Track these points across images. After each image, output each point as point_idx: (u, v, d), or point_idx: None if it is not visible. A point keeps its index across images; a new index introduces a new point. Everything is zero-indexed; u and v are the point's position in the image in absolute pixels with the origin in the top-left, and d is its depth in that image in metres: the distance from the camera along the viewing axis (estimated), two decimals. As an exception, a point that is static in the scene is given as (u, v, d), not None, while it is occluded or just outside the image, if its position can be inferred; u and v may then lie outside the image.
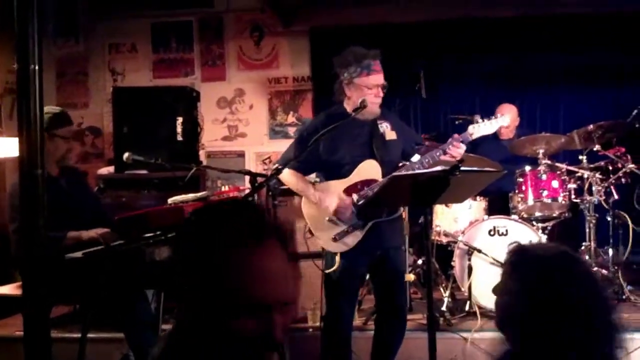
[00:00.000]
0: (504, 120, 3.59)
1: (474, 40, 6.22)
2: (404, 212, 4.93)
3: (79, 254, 3.31)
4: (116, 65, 6.89)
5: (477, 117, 5.32)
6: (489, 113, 5.65)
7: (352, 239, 3.46)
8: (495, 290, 1.78)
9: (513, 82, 6.12)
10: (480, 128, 3.54)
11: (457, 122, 5.81)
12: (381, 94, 3.47)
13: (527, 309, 1.59)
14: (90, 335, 3.94)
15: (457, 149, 3.43)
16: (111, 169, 5.21)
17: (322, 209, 3.46)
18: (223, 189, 4.63)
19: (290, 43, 6.76)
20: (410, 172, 3.30)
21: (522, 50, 6.18)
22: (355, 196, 3.46)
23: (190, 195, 3.74)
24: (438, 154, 3.41)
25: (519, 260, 1.70)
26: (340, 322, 3.56)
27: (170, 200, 3.71)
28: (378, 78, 3.44)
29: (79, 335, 3.86)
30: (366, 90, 3.43)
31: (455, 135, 3.50)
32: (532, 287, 1.60)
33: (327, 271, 3.52)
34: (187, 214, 3.53)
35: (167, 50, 6.83)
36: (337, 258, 3.46)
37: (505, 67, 6.26)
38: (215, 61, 6.83)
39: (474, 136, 3.54)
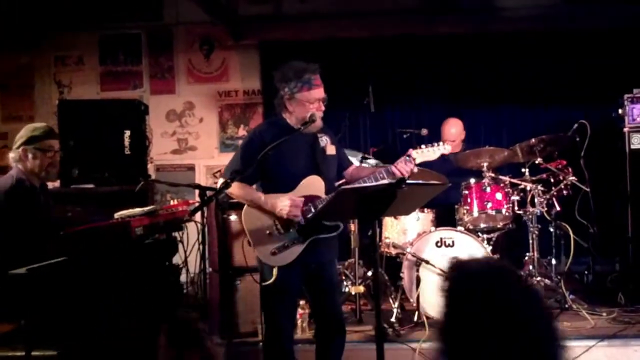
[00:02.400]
0: (446, 148, 3.68)
1: (420, 56, 6.37)
2: (353, 225, 5.01)
3: (22, 270, 3.24)
4: (62, 77, 6.80)
5: (424, 131, 5.48)
6: (435, 126, 5.86)
7: (291, 254, 3.46)
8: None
9: (459, 97, 6.28)
10: (424, 154, 3.61)
11: (404, 136, 5.92)
12: (322, 108, 3.48)
13: (460, 323, 1.59)
14: (35, 353, 3.86)
15: (403, 168, 3.50)
16: (57, 183, 5.11)
17: (263, 223, 3.46)
18: (172, 202, 4.58)
19: (241, 57, 6.79)
20: (357, 185, 3.34)
21: (468, 65, 6.35)
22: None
23: (138, 210, 3.70)
24: (381, 175, 3.47)
25: (455, 276, 1.72)
26: (280, 336, 3.55)
27: (117, 215, 3.66)
28: (319, 92, 3.45)
29: (23, 353, 3.78)
30: (308, 105, 3.43)
31: (404, 157, 3.57)
32: (464, 301, 1.61)
33: (264, 284, 3.52)
34: (133, 227, 3.50)
35: (115, 63, 6.77)
36: (275, 271, 3.46)
37: (451, 82, 6.41)
38: (165, 74, 6.80)
39: (417, 161, 3.60)
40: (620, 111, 5.44)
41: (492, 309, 1.54)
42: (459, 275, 1.66)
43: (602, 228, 5.76)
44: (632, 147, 5.33)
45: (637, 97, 5.34)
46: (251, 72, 6.74)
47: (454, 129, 5.80)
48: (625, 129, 5.35)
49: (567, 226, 5.30)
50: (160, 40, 6.78)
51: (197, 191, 4.02)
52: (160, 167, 6.71)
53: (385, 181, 3.29)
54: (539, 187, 5.08)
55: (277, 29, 6.54)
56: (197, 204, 3.87)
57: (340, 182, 3.89)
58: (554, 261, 5.17)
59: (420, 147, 3.64)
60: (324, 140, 3.59)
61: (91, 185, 5.00)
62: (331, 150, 3.62)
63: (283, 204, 3.40)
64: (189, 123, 6.81)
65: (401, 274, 4.83)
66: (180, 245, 4.24)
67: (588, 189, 5.17)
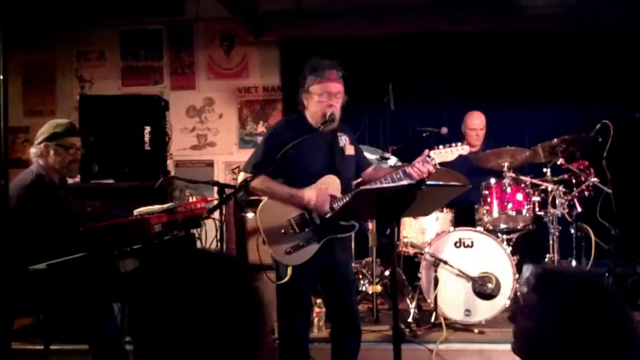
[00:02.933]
0: (464, 149, 3.65)
1: (442, 53, 6.31)
2: (370, 223, 4.98)
3: (42, 266, 3.26)
4: (84, 72, 6.84)
5: (444, 129, 5.44)
6: (455, 125, 5.80)
7: (306, 253, 3.45)
8: (514, 316, 1.75)
9: (480, 95, 6.21)
10: (441, 154, 3.59)
11: (424, 135, 5.88)
12: (335, 103, 3.44)
13: (566, 332, 1.58)
14: (53, 347, 3.90)
15: (422, 168, 3.46)
16: (77, 178, 5.14)
17: (278, 221, 3.45)
18: (191, 199, 4.60)
19: (261, 53, 6.79)
20: (376, 186, 3.32)
21: (490, 64, 6.29)
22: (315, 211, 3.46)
23: (157, 207, 3.71)
24: (398, 176, 3.45)
25: (551, 283, 1.69)
26: (295, 335, 3.55)
27: (136, 212, 3.68)
28: (330, 86, 3.42)
29: (42, 347, 3.81)
30: (316, 98, 3.43)
31: (422, 157, 3.53)
32: (572, 309, 1.60)
33: (278, 283, 3.51)
34: (151, 224, 3.51)
35: (136, 58, 6.80)
36: (289, 270, 3.45)
37: (472, 80, 6.35)
38: (185, 70, 6.82)
39: (435, 161, 3.57)
40: (643, 112, 5.37)
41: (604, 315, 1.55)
42: (564, 284, 1.64)
43: (623, 230, 5.68)
44: (656, 148, 5.26)
45: (661, 98, 5.26)
46: (271, 68, 6.74)
47: (477, 120, 5.74)
48: (650, 130, 5.28)
49: (589, 228, 5.24)
50: (181, 35, 6.80)
51: (215, 188, 4.02)
52: (180, 162, 6.74)
53: (405, 182, 3.27)
54: (561, 187, 5.02)
55: (297, 25, 6.52)
56: (215, 201, 3.88)
57: (357, 181, 3.88)
58: (574, 263, 5.11)
59: (437, 148, 3.61)
60: (343, 140, 3.59)
61: (111, 181, 5.02)
62: (350, 150, 3.61)
63: (310, 193, 3.39)
64: (208, 119, 6.83)
65: (419, 274, 4.80)
66: (198, 242, 4.25)
67: (610, 190, 5.09)
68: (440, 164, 3.64)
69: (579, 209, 5.06)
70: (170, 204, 3.86)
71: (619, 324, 1.57)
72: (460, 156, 3.72)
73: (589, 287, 1.61)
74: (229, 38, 6.79)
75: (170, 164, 6.13)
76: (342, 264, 3.63)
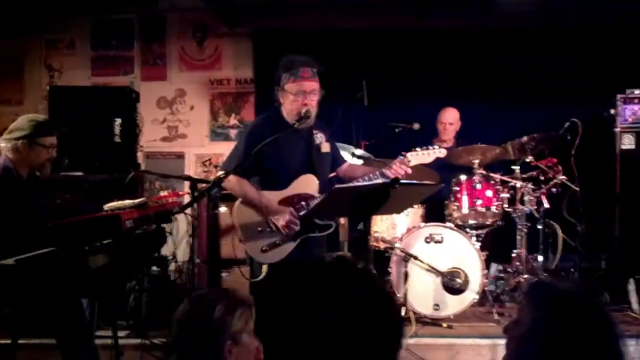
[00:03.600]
0: (442, 152, 3.69)
1: (416, 49, 6.33)
2: (342, 218, 5.00)
3: (10, 261, 3.21)
4: (53, 62, 6.72)
5: (416, 125, 5.48)
6: (428, 122, 5.85)
7: (282, 252, 3.46)
8: (507, 328, 1.76)
9: (452, 92, 6.25)
10: (419, 157, 3.64)
11: (397, 130, 5.91)
12: (310, 101, 3.44)
13: (551, 347, 1.59)
14: (21, 341, 3.85)
15: (398, 170, 3.50)
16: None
17: (257, 219, 3.45)
18: (161, 193, 4.57)
19: (234, 45, 6.73)
20: (351, 185, 3.34)
21: (462, 61, 6.33)
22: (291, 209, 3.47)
23: (128, 202, 3.67)
24: (376, 176, 3.47)
25: (543, 295, 1.69)
26: None
27: (106, 207, 3.63)
28: (304, 84, 3.43)
29: (9, 341, 3.76)
30: (291, 97, 3.43)
31: (400, 159, 3.57)
32: (557, 324, 1.60)
33: (253, 280, 3.52)
34: (123, 220, 3.48)
35: (107, 48, 6.69)
36: (264, 268, 3.46)
37: (444, 77, 6.39)
38: (156, 61, 6.73)
39: (412, 164, 3.61)
40: (612, 111, 5.47)
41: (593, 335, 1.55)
42: (555, 298, 1.64)
43: (589, 226, 5.80)
44: (623, 147, 5.36)
45: (630, 98, 5.36)
46: (244, 60, 6.69)
47: (451, 115, 5.81)
48: (617, 129, 5.38)
49: (556, 224, 5.34)
50: (153, 26, 6.70)
51: (188, 182, 4.00)
52: (150, 154, 6.65)
53: (379, 180, 3.29)
54: (529, 185, 5.10)
55: (271, 17, 6.48)
56: (187, 196, 3.86)
57: (331, 175, 3.90)
58: (541, 258, 5.19)
59: (415, 150, 3.64)
60: (319, 138, 3.59)
61: (80, 173, 4.96)
62: (326, 147, 3.62)
63: (280, 215, 3.40)
64: (179, 110, 6.76)
65: (389, 269, 4.83)
66: (169, 237, 4.23)
67: (577, 188, 5.19)
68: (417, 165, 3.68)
69: (547, 206, 5.14)
70: (142, 199, 3.82)
71: (606, 348, 1.58)
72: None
73: (581, 308, 1.60)
74: (201, 29, 6.72)
75: (140, 155, 6.08)
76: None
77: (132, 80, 6.62)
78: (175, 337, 2.03)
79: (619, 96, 5.41)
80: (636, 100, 5.33)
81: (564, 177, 5.07)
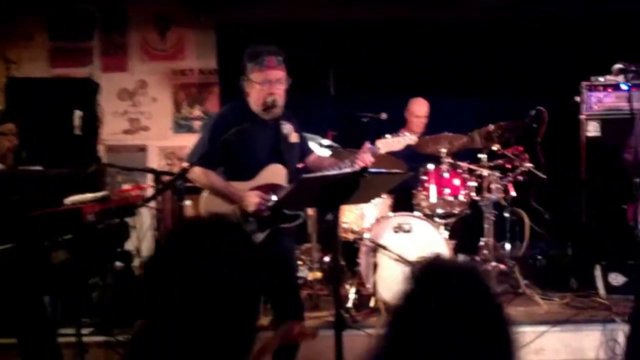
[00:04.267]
0: (411, 139, 3.67)
1: (382, 39, 6.30)
2: (311, 210, 4.96)
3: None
4: (10, 53, 6.49)
5: (383, 115, 5.45)
6: (395, 112, 5.82)
7: None
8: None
9: (420, 83, 6.23)
10: (388, 144, 3.61)
11: (364, 120, 5.87)
12: (276, 90, 3.39)
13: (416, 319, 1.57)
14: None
15: (367, 159, 3.47)
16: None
17: (223, 209, 3.38)
18: (124, 186, 4.46)
19: (197, 35, 6.62)
20: (319, 174, 3.29)
21: (429, 51, 6.32)
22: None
23: (89, 196, 3.57)
24: (345, 166, 3.43)
25: (421, 273, 1.69)
26: None
27: (67, 201, 3.53)
28: (270, 74, 3.37)
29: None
30: (257, 86, 3.37)
31: (366, 147, 3.52)
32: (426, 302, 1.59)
33: None
34: (84, 214, 3.38)
35: (66, 38, 6.50)
36: None
37: (412, 67, 6.38)
38: (117, 51, 6.57)
39: (381, 151, 3.59)
40: (577, 99, 5.51)
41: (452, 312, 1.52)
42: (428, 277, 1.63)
43: (556, 214, 5.86)
44: (588, 134, 5.40)
45: (594, 85, 5.40)
46: (207, 51, 6.58)
47: (422, 107, 5.81)
48: (582, 117, 5.41)
49: (522, 212, 5.38)
50: (114, 16, 6.54)
51: (151, 175, 3.91)
52: (111, 147, 6.49)
53: (348, 170, 3.25)
54: (496, 173, 5.12)
55: (235, 8, 6.37)
56: (150, 189, 3.77)
57: (300, 166, 3.85)
58: (508, 246, 5.23)
59: (385, 137, 3.61)
60: (287, 128, 3.55)
61: (39, 167, 4.81)
62: (294, 137, 3.58)
63: (250, 200, 3.33)
64: (141, 102, 6.62)
65: (358, 260, 4.82)
66: (133, 231, 4.14)
67: (544, 176, 5.22)
68: (387, 153, 3.65)
69: (514, 194, 5.18)
70: (104, 192, 3.74)
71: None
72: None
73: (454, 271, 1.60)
74: (164, 19, 6.58)
75: (101, 148, 5.94)
76: (287, 253, 3.60)
77: (93, 72, 6.44)
78: None
79: (583, 84, 5.44)
80: (601, 88, 5.37)
81: (530, 165, 5.11)
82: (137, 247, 4.16)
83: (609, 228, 4.98)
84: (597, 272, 5.18)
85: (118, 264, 4.33)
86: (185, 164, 3.39)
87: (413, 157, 5.28)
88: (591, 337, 4.29)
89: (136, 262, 4.34)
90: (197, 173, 3.36)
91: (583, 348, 4.04)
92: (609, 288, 5.06)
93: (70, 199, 3.54)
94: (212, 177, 3.44)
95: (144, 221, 4.06)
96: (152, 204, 3.61)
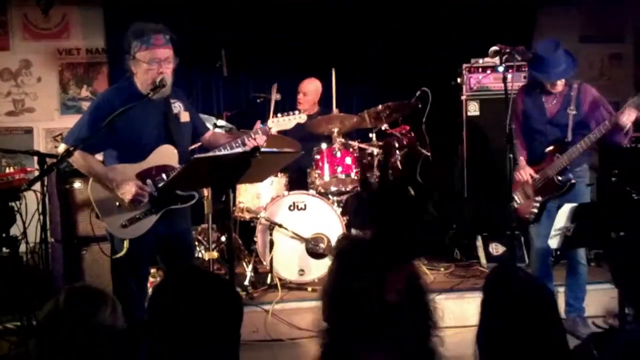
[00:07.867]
0: (302, 118, 3.74)
1: (275, 20, 6.30)
2: (206, 190, 4.96)
3: None
4: None
5: (278, 95, 5.50)
6: (289, 93, 5.90)
7: (143, 226, 3.36)
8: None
9: (313, 63, 6.30)
10: (279, 123, 3.64)
11: (258, 101, 5.92)
12: (165, 69, 3.33)
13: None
14: None
15: (259, 140, 3.48)
16: None
17: (112, 194, 3.33)
18: (8, 169, 4.27)
19: (82, 13, 6.37)
20: (210, 154, 3.30)
21: (322, 32, 6.38)
22: (149, 182, 3.37)
23: (-31, 179, 3.41)
24: (237, 144, 3.44)
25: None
26: (131, 306, 3.46)
27: (-55, 186, 3.36)
28: (158, 52, 3.30)
29: None
30: (144, 65, 3.31)
31: (258, 127, 3.54)
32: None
33: (114, 257, 3.41)
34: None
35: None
36: (126, 243, 3.35)
37: (305, 48, 6.43)
38: (-3, 29, 6.23)
39: (273, 130, 3.62)
40: (458, 80, 5.80)
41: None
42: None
43: (441, 189, 6.16)
44: (469, 114, 5.72)
45: (474, 67, 5.70)
46: (95, 30, 6.34)
47: (312, 85, 5.88)
48: (463, 97, 5.71)
49: (410, 187, 5.62)
50: (-9, -8, 6.18)
51: (36, 158, 3.78)
52: (-6, 130, 6.19)
53: (239, 150, 3.29)
54: (385, 151, 5.32)
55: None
56: (36, 172, 3.65)
57: (195, 146, 3.84)
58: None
59: (276, 116, 3.66)
60: (177, 107, 3.50)
61: None
62: (185, 117, 3.54)
63: (129, 189, 3.29)
64: (25, 83, 6.32)
65: (255, 238, 4.89)
66: (18, 216, 3.99)
67: (429, 153, 5.47)
68: (278, 132, 3.70)
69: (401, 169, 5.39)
70: (-15, 176, 3.56)
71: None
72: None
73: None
74: (46, -4, 6.27)
75: (-17, 131, 5.64)
76: (183, 233, 3.59)
77: (-29, 51, 6.09)
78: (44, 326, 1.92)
79: (464, 66, 5.73)
80: (480, 70, 5.68)
81: (417, 143, 5.34)
82: (24, 232, 4.01)
83: (488, 201, 5.27)
84: (479, 243, 5.53)
85: (3, 250, 4.17)
86: (62, 147, 3.29)
87: (307, 137, 5.38)
88: (473, 304, 4.55)
89: (22, 248, 4.19)
90: (76, 157, 3.25)
91: (466, 314, 4.29)
92: (490, 257, 5.43)
93: (-51, 184, 3.37)
94: (92, 162, 3.36)
95: (30, 206, 3.91)
96: (37, 187, 3.48)
